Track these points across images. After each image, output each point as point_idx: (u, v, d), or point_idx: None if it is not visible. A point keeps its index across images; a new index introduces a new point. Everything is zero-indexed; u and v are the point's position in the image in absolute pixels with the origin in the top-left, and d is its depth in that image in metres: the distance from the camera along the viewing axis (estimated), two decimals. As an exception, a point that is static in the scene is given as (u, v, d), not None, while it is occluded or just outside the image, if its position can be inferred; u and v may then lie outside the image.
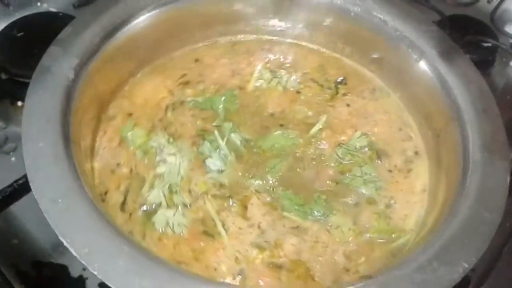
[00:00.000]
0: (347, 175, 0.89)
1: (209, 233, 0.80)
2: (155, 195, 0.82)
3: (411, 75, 0.97)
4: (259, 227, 0.82)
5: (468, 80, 0.90)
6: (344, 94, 1.01)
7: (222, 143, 0.88)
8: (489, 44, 1.21)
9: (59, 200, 0.68)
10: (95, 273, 0.62)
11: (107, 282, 0.62)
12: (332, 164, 0.90)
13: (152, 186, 0.83)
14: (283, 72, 1.03)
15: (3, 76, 1.11)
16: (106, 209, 0.80)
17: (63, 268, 0.88)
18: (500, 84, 1.23)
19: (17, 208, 0.90)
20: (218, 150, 0.88)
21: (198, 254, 0.78)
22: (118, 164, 0.86)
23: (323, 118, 0.96)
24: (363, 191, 0.87)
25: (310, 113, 0.98)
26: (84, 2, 1.24)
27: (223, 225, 0.81)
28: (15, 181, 0.86)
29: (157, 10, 0.94)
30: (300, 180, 0.88)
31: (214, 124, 0.92)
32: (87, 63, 0.84)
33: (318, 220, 0.83)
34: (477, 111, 0.86)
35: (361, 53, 1.04)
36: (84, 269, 0.87)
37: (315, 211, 0.83)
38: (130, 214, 0.81)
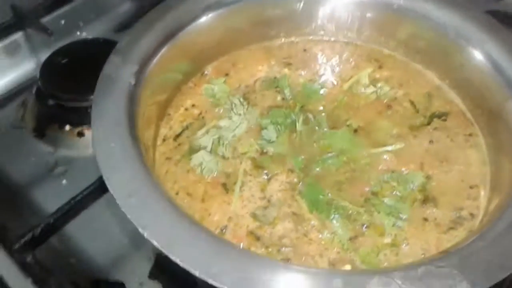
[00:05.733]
0: (380, 198, 0.86)
1: (226, 187, 0.88)
2: (205, 140, 0.93)
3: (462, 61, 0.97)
4: (269, 200, 0.87)
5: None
6: (435, 129, 0.96)
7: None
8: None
9: (135, 196, 0.72)
10: (178, 260, 0.65)
11: (189, 269, 0.65)
12: (372, 183, 0.88)
13: (207, 132, 0.95)
14: (383, 84, 1.02)
15: (51, 102, 1.16)
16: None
17: (120, 285, 0.94)
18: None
19: (72, 227, 0.95)
20: (276, 123, 0.94)
21: (206, 197, 0.87)
22: (193, 105, 1.00)
23: (398, 146, 0.93)
24: (381, 219, 0.83)
25: (393, 131, 0.96)
26: (125, 26, 1.34)
27: (241, 186, 0.88)
28: (72, 198, 0.93)
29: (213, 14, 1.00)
30: (334, 180, 0.89)
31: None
32: (145, 68, 0.90)
33: (320, 218, 0.84)
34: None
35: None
36: (141, 283, 0.93)
37: (323, 209, 0.84)
38: (179, 144, 0.94)
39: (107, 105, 0.82)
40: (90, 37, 1.38)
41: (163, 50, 0.94)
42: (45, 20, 1.36)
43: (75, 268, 0.96)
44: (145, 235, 0.67)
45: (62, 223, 0.93)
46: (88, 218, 0.98)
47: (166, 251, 0.65)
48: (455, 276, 0.64)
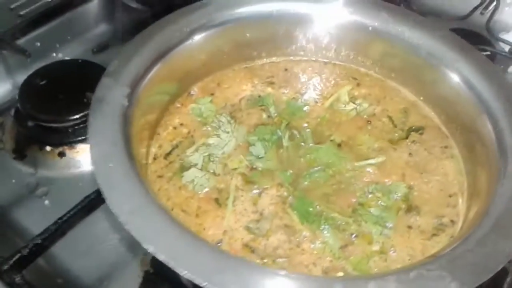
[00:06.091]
0: (366, 208, 0.90)
1: (218, 202, 0.91)
2: (195, 157, 0.96)
3: (434, 78, 1.03)
4: (261, 214, 0.89)
5: (488, 75, 0.96)
6: (413, 142, 1.01)
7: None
8: (488, 53, 1.30)
9: (136, 213, 0.73)
10: (185, 273, 0.67)
11: (196, 279, 0.66)
12: (358, 194, 0.92)
13: (197, 150, 0.97)
14: (362, 101, 1.07)
15: (30, 123, 1.16)
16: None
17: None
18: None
19: (57, 247, 0.96)
20: (263, 140, 0.97)
21: (200, 212, 0.89)
22: (182, 124, 1.02)
23: (380, 159, 0.98)
24: (369, 228, 0.88)
25: (374, 145, 1.00)
26: (102, 48, 1.38)
27: (234, 201, 0.91)
28: (59, 218, 0.93)
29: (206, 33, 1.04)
30: (322, 192, 0.93)
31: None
32: (136, 90, 0.92)
33: (311, 229, 0.87)
34: (503, 101, 0.92)
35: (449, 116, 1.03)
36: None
37: (314, 220, 0.87)
38: (170, 162, 0.96)
39: (103, 126, 0.84)
40: (66, 58, 1.39)
41: (152, 72, 0.96)
42: (21, 42, 1.36)
43: (63, 288, 0.95)
44: (150, 250, 0.69)
45: (50, 243, 0.93)
46: (73, 238, 0.97)
47: (172, 265, 0.67)
48: (445, 277, 0.69)
